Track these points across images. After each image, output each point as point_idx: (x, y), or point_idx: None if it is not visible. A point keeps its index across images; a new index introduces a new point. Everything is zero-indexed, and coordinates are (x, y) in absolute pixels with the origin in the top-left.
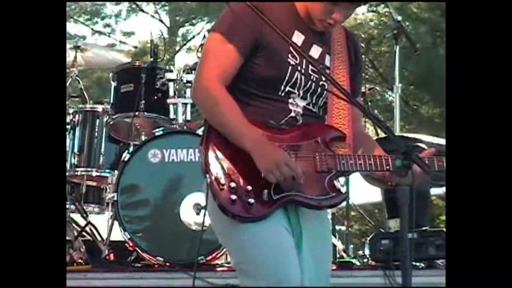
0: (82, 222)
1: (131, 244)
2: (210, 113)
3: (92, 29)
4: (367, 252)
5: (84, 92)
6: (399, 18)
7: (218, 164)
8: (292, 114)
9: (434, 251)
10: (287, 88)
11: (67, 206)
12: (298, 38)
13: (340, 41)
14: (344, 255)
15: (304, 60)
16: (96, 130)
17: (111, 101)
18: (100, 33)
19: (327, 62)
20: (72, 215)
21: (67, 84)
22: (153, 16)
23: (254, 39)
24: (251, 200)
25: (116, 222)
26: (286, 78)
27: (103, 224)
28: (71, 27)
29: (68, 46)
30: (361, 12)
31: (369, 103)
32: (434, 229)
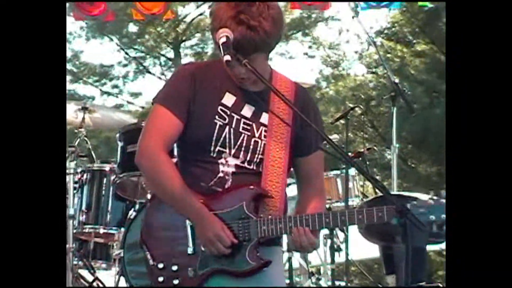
0: (90, 278)
1: None
2: (156, 181)
3: (100, 90)
4: None
5: (92, 152)
6: (397, 80)
7: (150, 241)
8: (220, 174)
9: None
10: (217, 148)
11: (75, 262)
12: (229, 99)
13: (284, 103)
14: None
15: (235, 119)
16: (104, 188)
17: (118, 160)
18: (109, 93)
19: (264, 119)
20: (80, 271)
21: (76, 144)
22: (159, 78)
23: (188, 105)
24: (176, 281)
25: (122, 278)
26: (214, 137)
27: (110, 279)
28: (81, 88)
29: (76, 107)
30: (361, 73)
31: (368, 162)
32: (431, 284)
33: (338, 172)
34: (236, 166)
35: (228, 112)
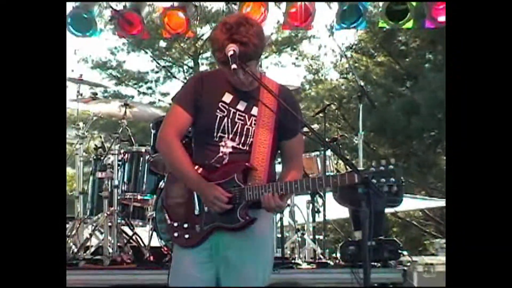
0: (130, 233)
1: (165, 249)
2: (170, 162)
3: (138, 90)
4: (338, 255)
5: (132, 138)
6: (362, 83)
7: (169, 207)
8: (220, 154)
9: (387, 254)
10: (219, 134)
11: (119, 221)
12: (227, 97)
13: (271, 99)
14: (322, 257)
15: (232, 112)
16: (140, 165)
17: (151, 144)
18: (144, 93)
19: (254, 111)
20: (122, 227)
21: (119, 131)
22: (183, 82)
23: (196, 103)
24: (187, 236)
25: (154, 233)
26: (216, 126)
27: (145, 234)
28: (123, 89)
29: (119, 104)
30: (335, 78)
31: (340, 146)
32: (388, 238)
33: (317, 153)
34: (233, 147)
35: (227, 107)
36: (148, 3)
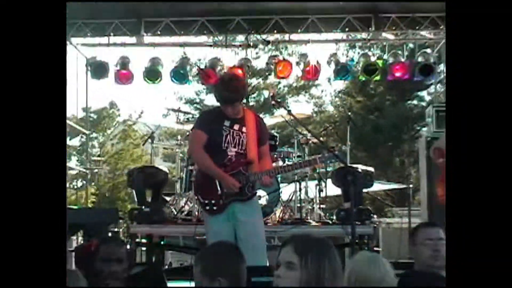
0: None
1: None
2: (203, 164)
3: None
4: (334, 217)
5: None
6: (349, 113)
7: (198, 189)
8: (229, 156)
9: (364, 217)
10: (225, 145)
11: None
12: (227, 122)
13: (251, 122)
14: (324, 218)
15: (231, 131)
16: None
17: None
18: None
19: (244, 130)
20: None
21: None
22: None
23: (210, 127)
24: (215, 207)
25: None
26: (223, 141)
27: None
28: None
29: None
30: (331, 110)
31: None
32: (363, 207)
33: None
34: (235, 152)
35: (228, 128)
36: (220, 64)
